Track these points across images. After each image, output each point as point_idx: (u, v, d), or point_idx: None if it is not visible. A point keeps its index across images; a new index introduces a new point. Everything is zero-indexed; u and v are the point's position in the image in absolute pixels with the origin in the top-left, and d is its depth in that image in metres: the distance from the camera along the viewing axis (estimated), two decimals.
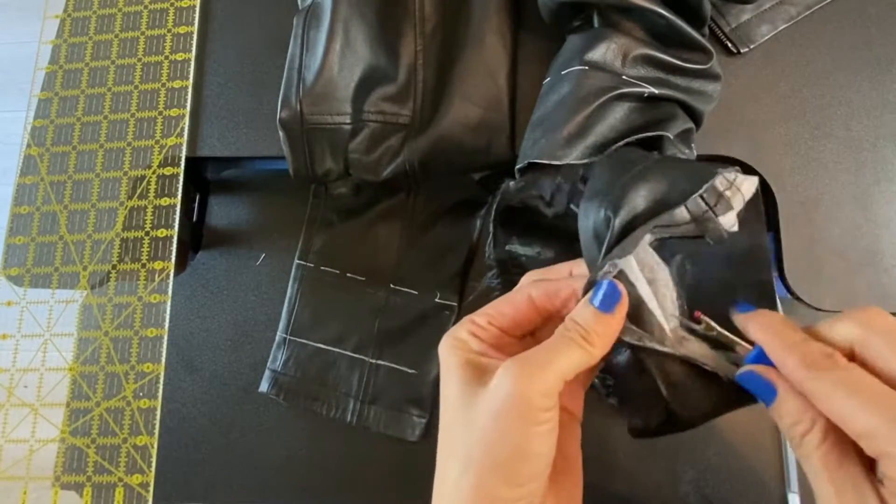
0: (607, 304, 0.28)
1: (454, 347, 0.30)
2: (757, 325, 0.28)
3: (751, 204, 0.31)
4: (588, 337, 0.28)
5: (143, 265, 0.47)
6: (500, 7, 0.45)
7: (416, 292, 0.46)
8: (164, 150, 0.48)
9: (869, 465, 0.24)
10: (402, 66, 0.46)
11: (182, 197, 0.47)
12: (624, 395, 0.35)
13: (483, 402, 0.27)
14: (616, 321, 0.28)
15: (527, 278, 0.34)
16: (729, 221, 0.30)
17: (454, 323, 0.45)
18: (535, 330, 0.32)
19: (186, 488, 0.45)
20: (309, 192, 0.48)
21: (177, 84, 0.50)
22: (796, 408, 0.26)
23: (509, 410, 0.26)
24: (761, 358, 0.27)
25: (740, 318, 0.29)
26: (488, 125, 0.44)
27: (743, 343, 0.28)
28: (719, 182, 0.30)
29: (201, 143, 0.48)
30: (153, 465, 0.44)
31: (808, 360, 0.25)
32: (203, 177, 0.52)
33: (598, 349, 0.28)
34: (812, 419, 0.25)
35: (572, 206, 0.37)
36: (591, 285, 0.29)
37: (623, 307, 0.28)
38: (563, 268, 0.34)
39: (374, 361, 0.45)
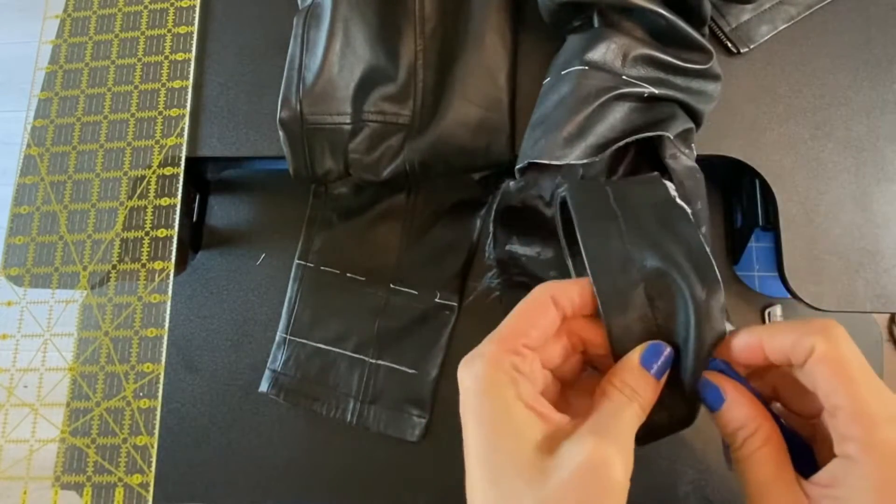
0: (659, 370, 0.27)
1: (498, 389, 0.25)
2: (737, 345, 0.27)
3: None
4: (643, 404, 0.26)
5: (143, 265, 0.47)
6: (500, 7, 0.45)
7: (416, 292, 0.46)
8: (164, 150, 0.48)
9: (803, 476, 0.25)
10: (402, 66, 0.46)
11: (182, 197, 0.47)
12: None
13: (556, 475, 0.24)
14: (661, 385, 0.27)
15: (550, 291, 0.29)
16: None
17: (454, 323, 0.45)
18: (559, 363, 0.29)
19: (186, 488, 0.45)
20: (309, 192, 0.48)
21: (177, 84, 0.50)
22: (743, 414, 0.26)
23: (593, 487, 0.24)
24: (715, 369, 0.27)
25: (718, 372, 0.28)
26: (488, 125, 0.44)
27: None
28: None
29: (201, 143, 0.48)
30: (153, 465, 0.44)
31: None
32: (203, 177, 0.52)
33: (647, 413, 0.27)
34: (756, 426, 0.26)
35: None
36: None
37: (668, 372, 0.27)
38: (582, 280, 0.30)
39: (374, 361, 0.45)
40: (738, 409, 0.26)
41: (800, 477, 0.25)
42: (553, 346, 0.28)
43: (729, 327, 0.28)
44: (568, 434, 0.25)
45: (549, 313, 0.28)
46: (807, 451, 0.27)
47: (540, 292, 0.28)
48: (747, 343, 0.26)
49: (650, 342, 0.27)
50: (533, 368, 0.27)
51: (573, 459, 0.24)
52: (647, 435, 0.28)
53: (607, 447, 0.24)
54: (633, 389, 0.26)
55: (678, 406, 0.28)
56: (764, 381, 0.28)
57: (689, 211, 0.31)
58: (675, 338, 0.28)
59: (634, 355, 0.27)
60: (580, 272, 0.35)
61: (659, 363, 0.27)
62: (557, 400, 0.29)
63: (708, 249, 0.28)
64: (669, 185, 0.33)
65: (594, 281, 0.28)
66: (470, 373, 0.26)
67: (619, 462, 0.24)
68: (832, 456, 0.24)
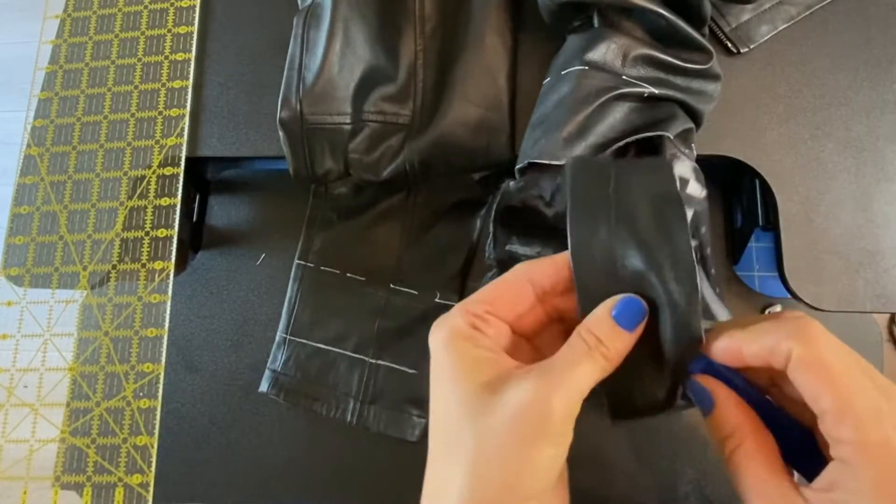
0: (630, 322, 0.26)
1: (457, 342, 0.27)
2: (715, 348, 0.27)
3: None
4: (607, 354, 0.26)
5: (143, 265, 0.47)
6: (500, 7, 0.45)
7: (416, 292, 0.46)
8: (164, 150, 0.48)
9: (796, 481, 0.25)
10: (402, 66, 0.46)
11: (182, 197, 0.47)
12: None
13: (497, 412, 0.25)
14: (633, 339, 0.27)
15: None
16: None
17: None
18: (536, 331, 0.30)
19: (186, 488, 0.45)
20: (309, 192, 0.48)
21: (177, 84, 0.50)
22: (731, 422, 0.26)
23: (529, 425, 0.24)
24: (707, 368, 0.27)
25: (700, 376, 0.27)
26: (488, 125, 0.44)
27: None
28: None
29: (201, 143, 0.48)
30: (153, 465, 0.44)
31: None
32: (203, 177, 0.52)
33: (613, 366, 0.26)
34: (743, 436, 0.26)
35: None
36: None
37: (643, 325, 0.27)
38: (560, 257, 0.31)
39: (374, 361, 0.45)
40: (728, 415, 0.26)
41: (799, 482, 0.25)
42: (527, 314, 0.29)
43: (708, 325, 0.27)
44: (517, 376, 0.25)
45: (523, 293, 0.28)
46: (810, 440, 0.26)
47: (517, 272, 0.29)
48: (727, 348, 0.26)
49: (624, 295, 0.27)
50: (497, 330, 0.28)
51: (515, 398, 0.24)
52: (622, 412, 0.28)
53: (549, 390, 0.24)
54: (598, 339, 0.26)
55: (656, 389, 0.28)
56: (760, 372, 0.28)
57: (687, 210, 0.31)
58: (656, 332, 0.28)
59: (607, 305, 0.27)
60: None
61: (631, 316, 0.26)
62: (531, 361, 0.29)
63: (693, 256, 0.27)
64: (682, 169, 0.33)
65: (575, 271, 0.28)
66: (435, 332, 0.28)
67: (559, 406, 0.24)
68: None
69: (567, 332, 0.30)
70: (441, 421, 0.27)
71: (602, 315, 0.27)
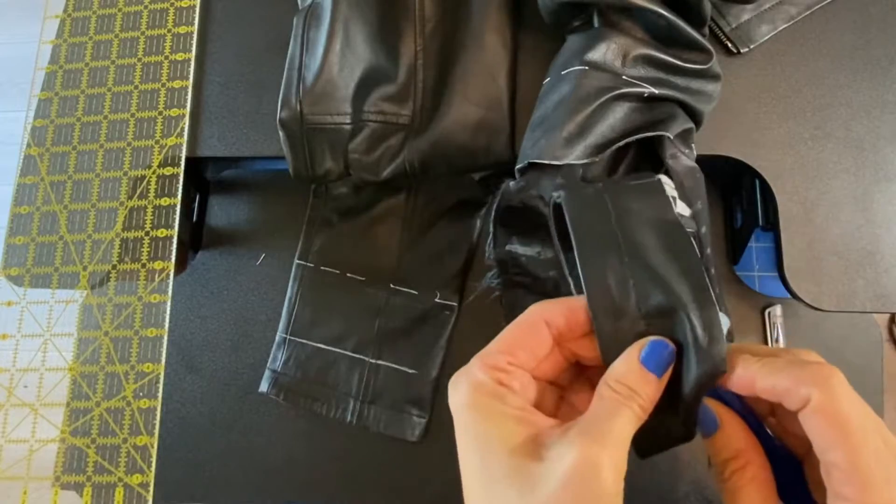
0: (660, 367, 0.25)
1: (482, 401, 0.25)
2: (731, 385, 0.26)
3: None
4: (642, 403, 0.25)
5: (143, 265, 0.47)
6: (500, 7, 0.45)
7: (416, 292, 0.46)
8: (164, 150, 0.48)
9: None
10: (402, 66, 0.46)
11: (182, 197, 0.47)
12: None
13: (546, 482, 0.23)
14: (664, 383, 0.26)
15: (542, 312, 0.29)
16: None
17: (454, 323, 0.45)
18: (556, 375, 0.28)
19: (186, 488, 0.45)
20: (309, 192, 0.48)
21: (177, 84, 0.50)
22: (734, 446, 0.26)
23: (584, 492, 0.23)
24: (711, 391, 0.27)
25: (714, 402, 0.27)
26: (488, 125, 0.44)
27: None
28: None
29: (201, 143, 0.48)
30: (153, 465, 0.44)
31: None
32: (203, 177, 0.52)
33: (647, 413, 0.25)
34: (745, 461, 0.25)
35: None
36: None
37: (671, 368, 0.26)
38: (577, 300, 0.29)
39: (374, 361, 0.45)
40: (731, 439, 0.26)
41: None
42: (545, 360, 0.28)
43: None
44: (557, 437, 0.24)
45: (541, 336, 0.27)
46: (799, 474, 0.26)
47: (532, 314, 0.27)
48: (740, 377, 0.26)
49: (651, 338, 0.26)
50: (522, 382, 0.26)
51: (562, 464, 0.23)
52: (648, 448, 0.27)
53: (597, 449, 0.23)
54: (630, 388, 0.25)
55: (675, 423, 0.27)
56: (762, 402, 0.27)
57: (690, 231, 0.30)
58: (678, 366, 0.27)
59: (634, 352, 0.26)
60: (574, 273, 0.35)
61: (661, 361, 0.26)
62: (557, 406, 0.28)
63: (711, 286, 0.26)
64: (668, 187, 0.33)
65: (593, 314, 0.27)
66: (456, 390, 0.26)
67: (609, 465, 0.23)
68: (821, 479, 0.24)
69: (588, 375, 0.29)
70: (479, 495, 0.25)
71: (631, 362, 0.26)
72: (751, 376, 0.25)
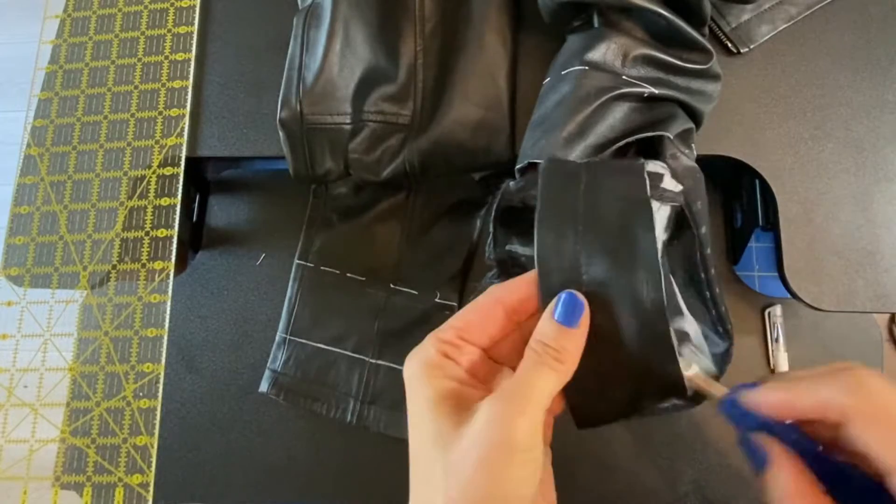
0: (570, 318, 0.26)
1: (426, 376, 0.27)
2: (762, 396, 0.26)
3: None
4: (559, 357, 0.26)
5: (143, 265, 0.47)
6: (500, 7, 0.45)
7: (416, 292, 0.46)
8: (164, 150, 0.48)
9: None
10: (402, 66, 0.46)
11: (182, 197, 0.47)
12: None
13: (465, 444, 0.25)
14: (582, 333, 0.26)
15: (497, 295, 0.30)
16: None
17: None
18: (516, 356, 0.29)
19: (186, 488, 0.45)
20: (309, 192, 0.48)
21: (177, 84, 0.50)
22: (783, 487, 0.25)
23: (496, 455, 0.24)
24: (763, 426, 0.26)
25: (750, 397, 0.26)
26: (488, 125, 0.44)
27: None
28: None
29: (201, 143, 0.48)
30: (153, 465, 0.44)
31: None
32: (203, 177, 0.52)
33: (570, 366, 0.26)
34: (804, 494, 0.24)
35: None
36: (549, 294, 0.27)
37: (587, 317, 0.27)
38: (529, 276, 0.30)
39: (374, 361, 0.45)
40: (781, 478, 0.25)
41: None
42: (504, 340, 0.29)
43: (720, 389, 0.27)
44: (481, 402, 0.25)
45: (494, 315, 0.28)
46: (881, 495, 0.25)
47: (487, 294, 0.29)
48: (778, 402, 0.25)
49: (562, 293, 0.27)
50: (470, 358, 0.28)
51: (478, 423, 0.25)
52: (587, 418, 0.28)
53: (510, 408, 0.24)
54: (546, 345, 0.26)
55: (621, 395, 0.28)
56: (821, 426, 0.26)
57: (664, 206, 0.30)
58: (620, 337, 0.27)
59: (548, 309, 0.27)
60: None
61: (571, 312, 0.26)
62: (500, 373, 0.29)
63: (658, 259, 0.27)
64: (655, 166, 0.33)
65: (540, 281, 0.28)
66: (407, 364, 0.28)
67: (522, 422, 0.24)
68: None
69: None
70: (416, 455, 0.27)
71: (546, 318, 0.27)
72: (788, 399, 0.25)
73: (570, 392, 0.27)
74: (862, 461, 0.25)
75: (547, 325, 0.27)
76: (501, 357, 0.29)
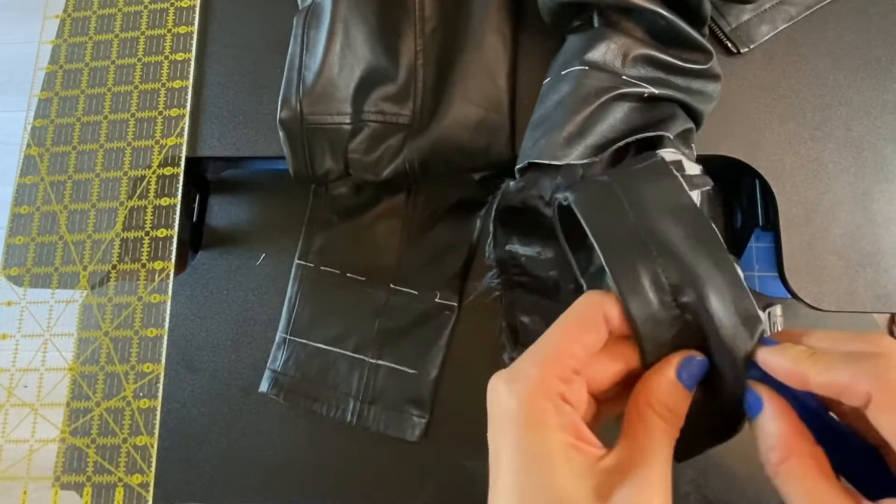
0: (693, 382, 0.25)
1: (541, 423, 0.23)
2: (774, 357, 0.25)
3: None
4: (680, 422, 0.24)
5: (143, 265, 0.47)
6: (500, 7, 0.45)
7: (416, 292, 0.46)
8: (164, 150, 0.48)
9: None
10: (402, 66, 0.46)
11: (182, 197, 0.47)
12: None
13: None
14: (692, 394, 0.25)
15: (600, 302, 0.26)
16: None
17: (454, 323, 0.45)
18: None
19: (186, 488, 0.45)
20: (309, 192, 0.48)
21: (177, 84, 0.50)
22: (778, 429, 0.24)
23: None
24: (763, 377, 0.26)
25: (764, 353, 0.25)
26: (488, 125, 0.44)
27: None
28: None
29: (201, 143, 0.48)
30: (153, 465, 0.44)
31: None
32: (203, 177, 0.52)
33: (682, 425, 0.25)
34: (788, 452, 0.24)
35: None
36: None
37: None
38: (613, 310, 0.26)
39: (374, 361, 0.45)
40: (774, 424, 0.24)
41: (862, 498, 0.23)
42: (597, 366, 0.26)
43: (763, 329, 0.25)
44: (612, 475, 0.23)
45: (599, 330, 0.25)
46: (875, 459, 0.25)
47: (590, 306, 0.25)
48: (790, 372, 0.24)
49: (683, 353, 0.25)
50: (580, 396, 0.25)
51: None
52: (685, 451, 0.26)
53: (654, 492, 0.22)
54: (670, 409, 0.24)
55: (717, 423, 0.26)
56: None
57: (698, 194, 0.29)
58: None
59: (670, 369, 0.24)
60: (589, 275, 0.34)
61: (693, 374, 0.25)
62: (594, 416, 0.27)
63: (740, 273, 0.26)
64: (669, 154, 0.33)
65: (633, 322, 0.25)
66: (511, 394, 0.23)
67: (664, 500, 0.23)
68: None
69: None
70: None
71: (667, 380, 0.24)
72: (801, 372, 0.23)
73: None
74: (880, 444, 0.24)
75: (670, 388, 0.24)
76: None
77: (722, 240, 0.26)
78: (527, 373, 0.24)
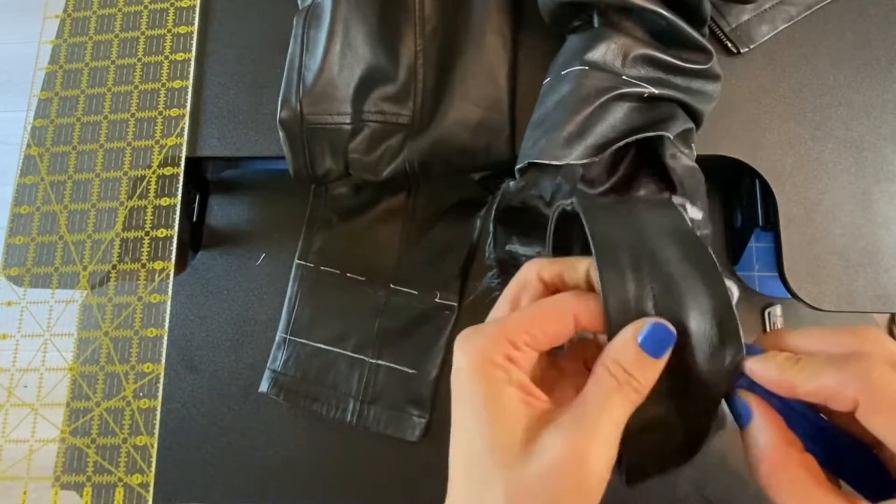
0: (657, 348, 0.24)
1: (489, 376, 0.25)
2: (760, 367, 0.25)
3: None
4: (638, 388, 0.24)
5: (143, 265, 0.47)
6: (500, 7, 0.45)
7: (416, 292, 0.46)
8: (164, 150, 0.48)
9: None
10: (402, 66, 0.46)
11: (182, 197, 0.47)
12: None
13: (531, 466, 0.23)
14: (660, 367, 0.24)
15: (537, 267, 0.28)
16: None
17: (455, 323, 0.45)
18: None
19: (186, 488, 0.45)
20: (309, 192, 0.48)
21: (177, 84, 0.50)
22: (764, 440, 0.24)
23: (565, 484, 0.23)
24: (750, 385, 0.25)
25: (751, 362, 0.25)
26: (488, 125, 0.44)
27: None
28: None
29: (201, 143, 0.48)
30: (153, 465, 0.44)
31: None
32: (203, 177, 0.52)
33: (642, 399, 0.24)
34: (776, 463, 0.24)
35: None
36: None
37: (669, 353, 0.25)
38: (578, 264, 0.28)
39: (374, 361, 0.45)
40: (761, 434, 0.24)
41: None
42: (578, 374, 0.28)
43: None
44: (549, 424, 0.24)
45: (566, 327, 0.26)
46: (872, 460, 0.24)
47: (564, 304, 0.26)
48: (777, 381, 0.24)
49: (650, 319, 0.25)
50: (530, 360, 0.26)
51: (549, 451, 0.23)
52: (642, 465, 0.26)
53: (587, 442, 0.23)
54: (626, 371, 0.24)
55: (676, 436, 0.26)
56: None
57: (705, 233, 0.29)
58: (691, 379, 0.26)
59: (631, 331, 0.24)
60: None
61: (659, 343, 0.24)
62: (548, 370, 0.28)
63: (734, 308, 0.25)
64: (677, 198, 0.33)
65: (608, 322, 0.26)
66: (464, 349, 0.26)
67: (597, 457, 0.23)
68: None
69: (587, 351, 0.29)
70: (467, 458, 0.25)
71: (625, 342, 0.24)
72: (789, 381, 0.23)
73: (629, 446, 0.25)
74: (875, 444, 0.24)
75: (627, 350, 0.24)
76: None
77: (718, 266, 0.26)
78: (483, 332, 0.26)
